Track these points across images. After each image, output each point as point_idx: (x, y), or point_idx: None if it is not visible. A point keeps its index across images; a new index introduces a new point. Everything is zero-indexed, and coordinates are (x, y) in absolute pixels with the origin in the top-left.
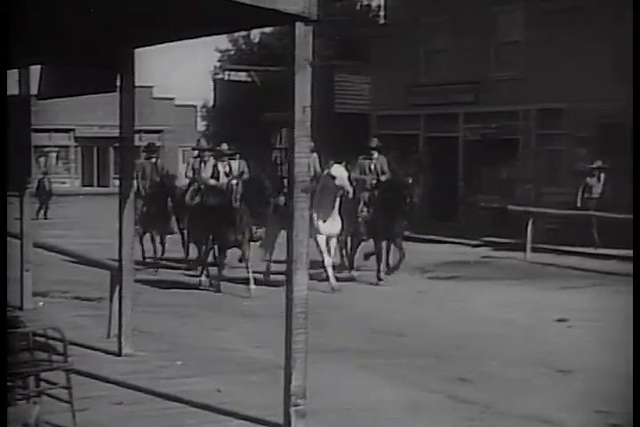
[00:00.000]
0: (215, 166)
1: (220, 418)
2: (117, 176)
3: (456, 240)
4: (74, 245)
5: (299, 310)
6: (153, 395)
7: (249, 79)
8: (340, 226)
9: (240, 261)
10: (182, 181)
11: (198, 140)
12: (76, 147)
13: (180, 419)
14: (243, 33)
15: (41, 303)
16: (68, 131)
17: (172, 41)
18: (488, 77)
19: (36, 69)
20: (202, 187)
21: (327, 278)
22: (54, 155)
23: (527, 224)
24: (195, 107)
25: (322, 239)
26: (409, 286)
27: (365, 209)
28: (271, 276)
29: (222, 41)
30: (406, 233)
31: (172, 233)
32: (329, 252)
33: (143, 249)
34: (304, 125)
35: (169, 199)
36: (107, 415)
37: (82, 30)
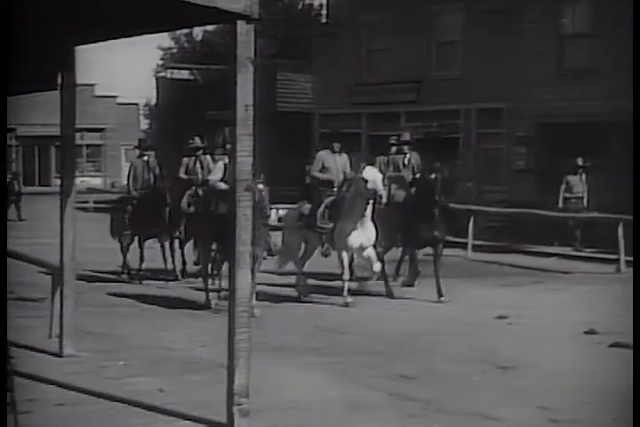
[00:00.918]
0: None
1: (164, 418)
2: (59, 175)
3: None
4: (15, 246)
5: (241, 309)
6: (96, 396)
7: (191, 77)
8: (374, 234)
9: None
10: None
11: (192, 139)
12: (17, 146)
13: (123, 419)
14: (185, 31)
15: None
16: (10, 130)
17: (114, 38)
18: (429, 77)
19: None
20: (199, 191)
21: (343, 294)
22: None
23: (468, 222)
24: (137, 105)
25: (345, 256)
26: None
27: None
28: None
29: (165, 39)
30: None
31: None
32: (350, 267)
33: (125, 258)
34: (246, 124)
35: (164, 203)
36: (50, 417)
37: (22, 27)
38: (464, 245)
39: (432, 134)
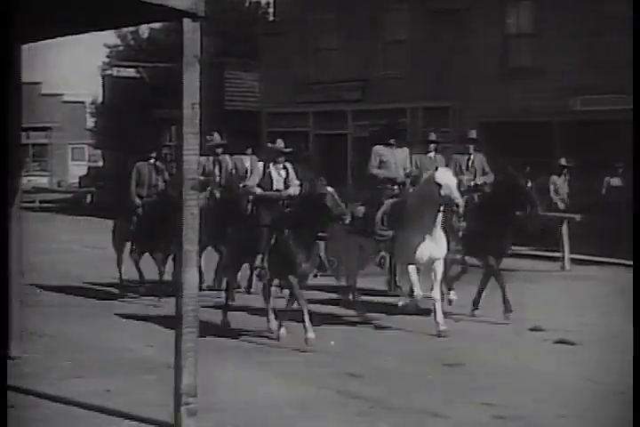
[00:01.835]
0: (267, 171)
1: (111, 419)
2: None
3: None
4: None
5: (188, 308)
6: (42, 398)
7: (138, 75)
8: (445, 246)
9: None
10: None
11: (211, 135)
12: None
13: (70, 421)
14: (131, 28)
15: None
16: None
17: (60, 36)
18: (376, 75)
19: None
20: (219, 196)
21: (412, 310)
22: None
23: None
24: (83, 103)
25: (413, 269)
26: None
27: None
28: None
29: (111, 37)
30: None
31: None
32: (418, 282)
33: (121, 273)
34: (193, 122)
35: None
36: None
37: None
38: None
39: (378, 133)
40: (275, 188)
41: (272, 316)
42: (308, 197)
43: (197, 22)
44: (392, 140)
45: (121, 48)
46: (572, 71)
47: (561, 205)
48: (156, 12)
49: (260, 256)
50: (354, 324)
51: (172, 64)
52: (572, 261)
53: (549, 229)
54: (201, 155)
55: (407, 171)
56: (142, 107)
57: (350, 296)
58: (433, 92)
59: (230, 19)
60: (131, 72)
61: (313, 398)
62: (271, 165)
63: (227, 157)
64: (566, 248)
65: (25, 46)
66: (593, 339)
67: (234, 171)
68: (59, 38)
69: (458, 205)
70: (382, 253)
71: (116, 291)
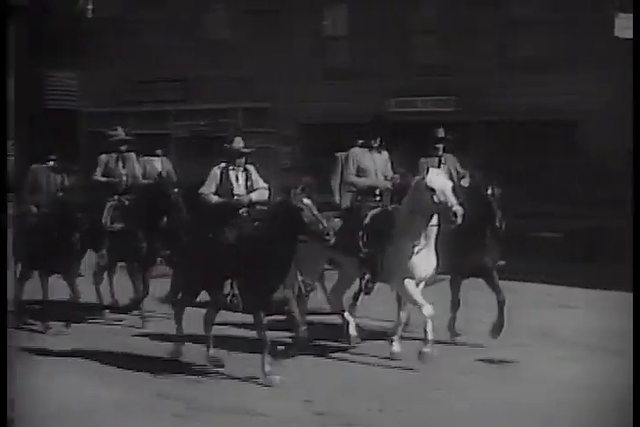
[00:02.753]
0: (226, 174)
1: None
2: None
3: None
4: None
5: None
6: None
7: None
8: (435, 262)
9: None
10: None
11: (114, 129)
12: None
13: None
14: None
15: None
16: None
17: None
18: (198, 75)
19: None
20: (125, 200)
21: (425, 338)
22: None
23: None
24: None
25: (411, 284)
26: None
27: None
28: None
29: None
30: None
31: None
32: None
33: (19, 293)
34: None
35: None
36: None
37: None
38: None
39: (200, 133)
40: (235, 193)
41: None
42: (281, 211)
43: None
44: (375, 142)
45: None
46: (386, 73)
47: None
48: None
49: (228, 282)
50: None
51: None
52: None
53: None
54: (103, 152)
55: (390, 177)
56: None
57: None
58: (253, 93)
59: (48, 14)
60: None
61: None
62: (228, 168)
63: (133, 155)
64: None
65: None
66: None
67: (141, 173)
68: None
69: (456, 215)
70: (367, 275)
71: None
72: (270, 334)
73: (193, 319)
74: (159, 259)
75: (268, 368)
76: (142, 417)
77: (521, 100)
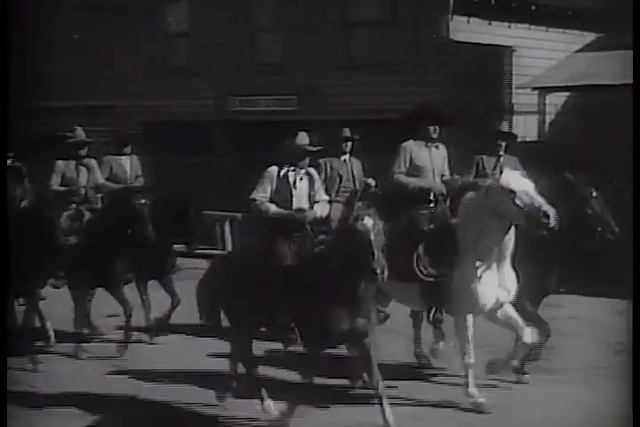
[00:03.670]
0: (285, 178)
1: None
2: None
3: None
4: None
5: None
6: None
7: None
8: (515, 283)
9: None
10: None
11: (72, 130)
12: None
13: None
14: None
15: None
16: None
17: None
18: (37, 72)
19: None
20: (84, 211)
21: (467, 384)
22: None
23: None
24: None
25: (470, 321)
26: None
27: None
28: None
29: None
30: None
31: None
32: (470, 341)
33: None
34: None
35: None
36: None
37: None
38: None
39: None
40: (295, 206)
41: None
42: (346, 235)
43: None
44: (434, 132)
45: None
46: (228, 71)
47: None
48: None
49: (284, 312)
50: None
51: None
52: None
53: None
54: (60, 158)
55: (445, 178)
56: None
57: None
58: (96, 91)
59: None
60: None
61: None
62: (289, 170)
63: (93, 160)
64: (226, 244)
65: None
66: None
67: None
68: None
69: (548, 215)
70: (434, 305)
71: None
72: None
73: None
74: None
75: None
76: None
77: (358, 99)
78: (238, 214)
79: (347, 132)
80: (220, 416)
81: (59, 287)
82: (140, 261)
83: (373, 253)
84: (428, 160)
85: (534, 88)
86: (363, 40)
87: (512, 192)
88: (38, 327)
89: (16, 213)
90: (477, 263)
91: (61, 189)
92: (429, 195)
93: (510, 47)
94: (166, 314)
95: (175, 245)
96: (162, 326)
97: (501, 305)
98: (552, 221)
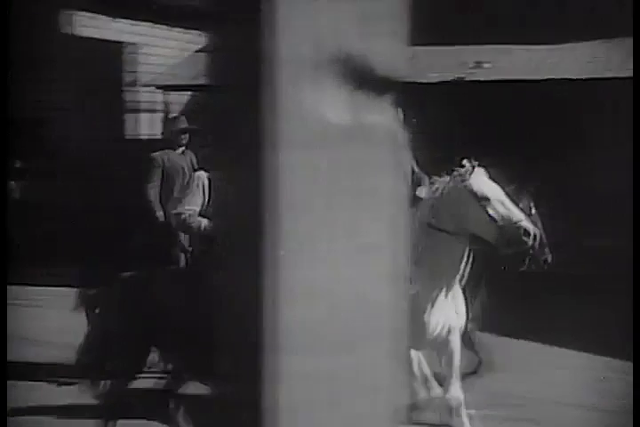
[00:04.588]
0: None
1: None
2: None
3: None
4: None
5: None
6: None
7: None
8: (463, 308)
9: None
10: None
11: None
12: None
13: None
14: None
15: None
16: None
17: None
18: None
19: None
20: None
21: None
22: None
23: None
24: None
25: (415, 355)
26: None
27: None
28: None
29: None
30: None
31: None
32: (430, 378)
33: None
34: None
35: None
36: None
37: None
38: None
39: None
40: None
41: None
42: None
43: None
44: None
45: None
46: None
47: None
48: None
49: None
50: None
51: None
52: None
53: None
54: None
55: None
56: None
57: None
58: None
59: None
60: None
61: None
62: None
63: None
64: None
65: None
66: None
67: None
68: None
69: (528, 233)
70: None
71: None
72: None
73: None
74: None
75: None
76: None
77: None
78: None
79: (183, 122)
80: None
81: None
82: None
83: None
84: None
85: (157, 86)
86: None
87: (485, 199)
88: None
89: None
90: (426, 284)
91: None
92: None
93: (135, 44)
94: None
95: None
96: None
97: (451, 332)
98: (530, 241)
